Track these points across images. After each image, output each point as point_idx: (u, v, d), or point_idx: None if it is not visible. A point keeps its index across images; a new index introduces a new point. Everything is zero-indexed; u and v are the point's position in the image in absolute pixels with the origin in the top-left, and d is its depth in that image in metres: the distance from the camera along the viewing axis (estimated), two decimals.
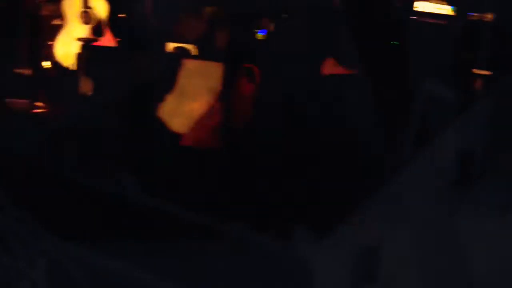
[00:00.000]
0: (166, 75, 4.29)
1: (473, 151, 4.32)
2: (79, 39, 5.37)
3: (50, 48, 5.48)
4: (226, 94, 4.25)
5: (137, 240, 3.17)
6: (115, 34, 5.43)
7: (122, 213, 3.34)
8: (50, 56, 5.45)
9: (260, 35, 4.77)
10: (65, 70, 5.28)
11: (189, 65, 4.30)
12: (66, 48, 5.46)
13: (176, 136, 4.20)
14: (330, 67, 4.31)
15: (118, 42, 5.39)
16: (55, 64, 5.42)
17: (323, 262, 3.01)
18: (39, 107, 4.75)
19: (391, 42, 4.23)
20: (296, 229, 3.14)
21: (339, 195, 3.44)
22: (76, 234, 3.18)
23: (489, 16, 4.98)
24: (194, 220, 3.21)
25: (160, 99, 4.26)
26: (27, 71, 5.07)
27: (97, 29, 5.45)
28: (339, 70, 4.30)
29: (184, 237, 3.15)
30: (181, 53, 4.70)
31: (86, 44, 5.18)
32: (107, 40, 5.46)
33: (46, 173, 3.57)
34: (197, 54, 4.76)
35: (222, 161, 3.96)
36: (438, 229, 3.76)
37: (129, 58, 4.57)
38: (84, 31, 5.46)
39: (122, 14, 5.53)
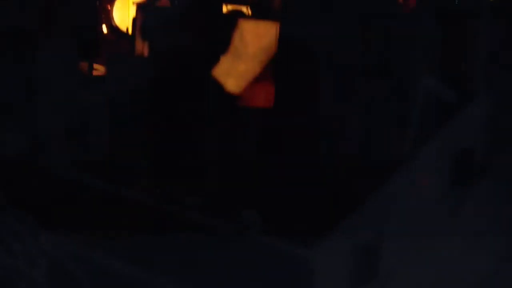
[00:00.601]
0: (222, 35, 4.26)
1: (473, 151, 4.32)
2: (136, 3, 5.48)
3: (108, 12, 5.57)
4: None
5: (137, 239, 3.17)
6: None
7: (123, 213, 3.34)
8: (108, 20, 5.54)
9: None
10: (123, 33, 5.36)
11: (244, 25, 4.26)
12: (124, 11, 5.56)
13: (231, 96, 4.16)
14: None
15: (174, 3, 5.47)
16: (113, 27, 5.51)
17: (323, 262, 3.01)
18: (98, 70, 4.80)
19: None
20: (297, 229, 3.14)
21: (339, 195, 3.44)
22: (76, 233, 3.18)
23: None
24: (194, 219, 3.22)
25: (216, 59, 4.23)
26: (88, 36, 5.15)
27: None
28: None
29: (185, 236, 3.15)
30: (237, 14, 4.67)
31: (143, 6, 5.24)
32: (164, 2, 5.56)
33: (46, 172, 3.57)
34: (252, 14, 4.76)
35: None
36: (438, 229, 3.77)
37: (185, 20, 4.56)
38: None
39: None
